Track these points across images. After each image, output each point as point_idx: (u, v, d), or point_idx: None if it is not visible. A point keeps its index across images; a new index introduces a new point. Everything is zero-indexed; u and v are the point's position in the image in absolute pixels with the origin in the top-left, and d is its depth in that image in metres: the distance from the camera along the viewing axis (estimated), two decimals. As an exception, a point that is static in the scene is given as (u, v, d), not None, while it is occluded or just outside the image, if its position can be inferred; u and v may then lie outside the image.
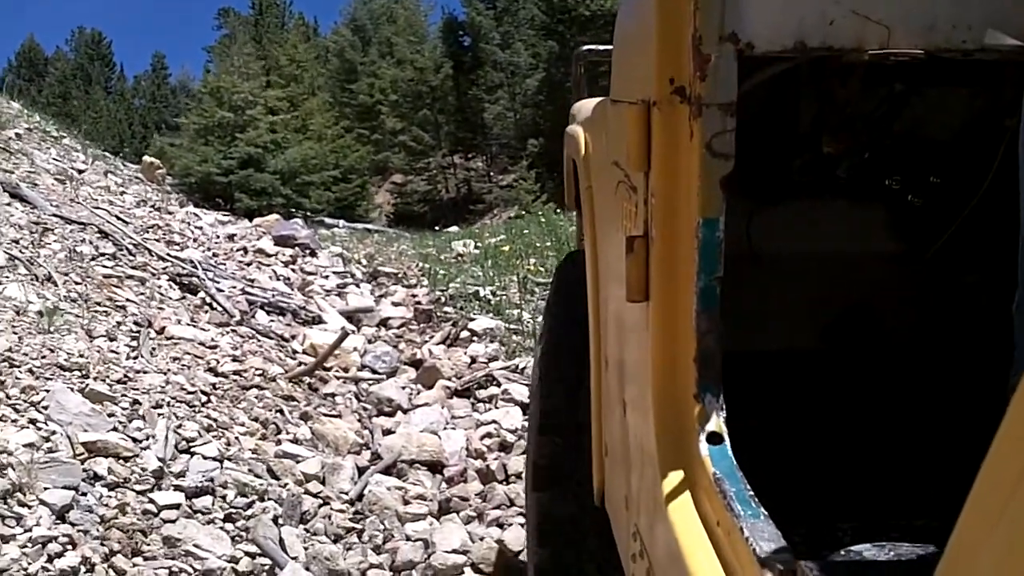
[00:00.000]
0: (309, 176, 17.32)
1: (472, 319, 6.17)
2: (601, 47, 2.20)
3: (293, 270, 7.62)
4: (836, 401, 1.73)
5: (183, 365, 4.24)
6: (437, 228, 14.29)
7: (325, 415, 4.28)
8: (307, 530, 3.18)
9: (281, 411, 4.13)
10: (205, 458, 3.35)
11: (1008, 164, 1.21)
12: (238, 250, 7.85)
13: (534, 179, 24.33)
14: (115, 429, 3.29)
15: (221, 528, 3.01)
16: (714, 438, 1.10)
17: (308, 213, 14.62)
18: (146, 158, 14.80)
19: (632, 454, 1.38)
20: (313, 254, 8.40)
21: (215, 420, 3.78)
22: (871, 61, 1.15)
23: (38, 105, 33.89)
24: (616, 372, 1.51)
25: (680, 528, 1.07)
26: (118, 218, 7.36)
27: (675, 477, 1.14)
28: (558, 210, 12.10)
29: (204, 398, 3.93)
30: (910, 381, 1.77)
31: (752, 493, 1.01)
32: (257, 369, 4.48)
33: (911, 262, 1.80)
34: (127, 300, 5.04)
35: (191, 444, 3.43)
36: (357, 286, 7.38)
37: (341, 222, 13.37)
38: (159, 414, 3.56)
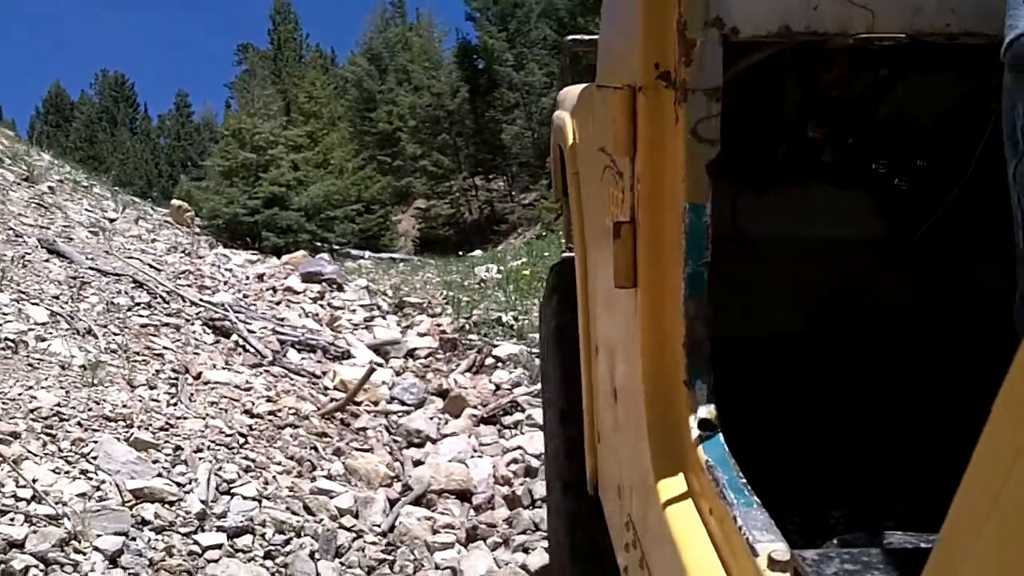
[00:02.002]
0: (333, 211, 17.61)
1: (496, 345, 6.34)
2: (587, 37, 2.18)
3: (321, 306, 7.84)
4: (825, 385, 1.71)
5: (220, 409, 4.45)
6: (461, 253, 14.52)
7: (357, 449, 4.46)
8: (342, 563, 3.35)
9: (315, 448, 4.32)
10: (245, 498, 3.54)
11: (993, 148, 1.20)
12: (267, 290, 8.10)
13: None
14: (160, 475, 3.49)
15: (261, 565, 3.19)
16: (705, 425, 1.09)
17: (334, 247, 14.94)
18: (174, 202, 15.22)
19: (624, 441, 1.36)
20: (340, 288, 8.63)
21: (253, 461, 3.98)
22: (855, 46, 1.15)
23: (66, 150, 34.71)
24: (606, 359, 1.49)
25: (673, 517, 1.07)
26: (151, 266, 7.66)
27: (667, 465, 1.13)
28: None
29: (242, 440, 4.13)
30: (898, 364, 1.76)
31: (745, 481, 1.00)
32: (291, 408, 4.67)
33: (897, 245, 1.79)
34: (164, 348, 5.28)
35: (231, 485, 3.62)
36: (384, 318, 7.59)
37: (367, 253, 13.64)
38: (200, 458, 3.76)
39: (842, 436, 1.63)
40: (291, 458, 4.16)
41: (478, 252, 15.68)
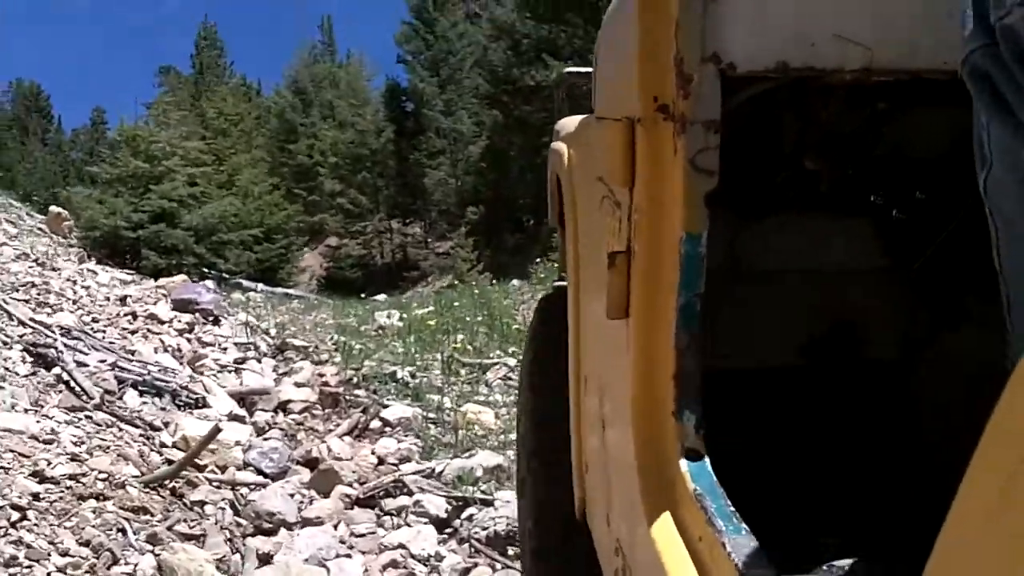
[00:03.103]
0: (227, 234, 16.17)
1: (385, 405, 5.34)
2: (582, 70, 2.19)
3: (188, 339, 6.70)
4: (821, 417, 1.74)
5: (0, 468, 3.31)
6: (363, 296, 13.43)
7: (184, 534, 3.37)
8: None
9: (123, 531, 3.21)
10: (-13, 612, 2.44)
11: None
12: (126, 315, 6.90)
13: (471, 247, 23.61)
14: None
15: None
16: (693, 455, 1.10)
17: (223, 275, 13.53)
18: (52, 208, 13.71)
19: (612, 470, 1.39)
20: (216, 322, 7.50)
21: (28, 546, 2.86)
22: (853, 82, 1.17)
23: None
24: (596, 388, 1.51)
25: (662, 544, 1.08)
26: (-16, 274, 6.40)
27: (656, 493, 1.14)
28: (494, 280, 11.42)
29: (17, 515, 3.01)
30: (895, 396, 1.80)
31: (733, 509, 1.01)
32: (102, 472, 3.56)
33: (896, 276, 1.82)
34: (-45, 376, 4.10)
35: (-27, 590, 2.51)
36: (259, 361, 6.49)
37: (260, 285, 12.36)
38: (-63, 544, 2.64)
39: (836, 468, 1.65)
40: (84, 543, 3.05)
41: (382, 296, 14.56)
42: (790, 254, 1.78)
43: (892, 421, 1.76)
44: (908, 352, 1.86)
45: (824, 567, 1.12)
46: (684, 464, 1.10)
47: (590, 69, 1.74)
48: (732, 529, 0.98)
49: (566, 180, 1.76)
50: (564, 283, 1.90)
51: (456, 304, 9.52)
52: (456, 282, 15.72)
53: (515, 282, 12.65)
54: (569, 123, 1.87)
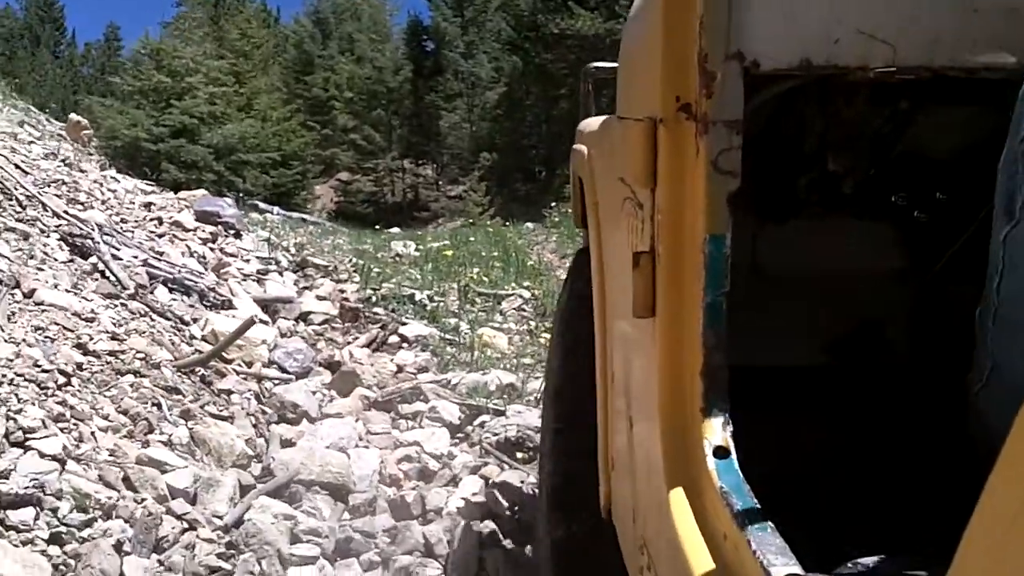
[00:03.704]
0: (246, 155, 16.19)
1: (404, 323, 5.52)
2: (608, 64, 2.21)
3: (211, 248, 6.84)
4: (844, 417, 1.72)
5: (46, 336, 3.49)
6: (378, 227, 13.54)
7: (213, 415, 3.56)
8: (160, 562, 2.48)
9: (158, 405, 3.40)
10: (43, 456, 2.63)
11: None
12: (152, 219, 7.03)
13: (484, 192, 23.62)
14: (-73, 408, 2.55)
15: (41, 552, 2.29)
16: (720, 452, 1.10)
17: (241, 194, 13.64)
18: (72, 116, 13.67)
19: (638, 467, 1.38)
20: (237, 235, 7.62)
21: (71, 407, 3.05)
22: (876, 79, 1.15)
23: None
24: (623, 386, 1.51)
25: (687, 541, 1.08)
26: (16, 167, 6.51)
27: (682, 490, 1.14)
28: (506, 222, 11.53)
29: (62, 379, 3.19)
30: (917, 398, 1.76)
31: (760, 507, 1.01)
32: (139, 352, 3.74)
33: (918, 278, 1.81)
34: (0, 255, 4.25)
35: (29, 436, 2.70)
36: (280, 274, 6.64)
37: (276, 208, 12.45)
38: (-5, 393, 2.82)
39: (860, 468, 1.63)
40: (123, 412, 3.24)
41: (396, 229, 14.69)
42: (811, 256, 1.77)
43: (915, 422, 1.73)
44: (930, 353, 1.83)
45: (849, 564, 1.10)
46: (711, 461, 1.09)
47: (615, 64, 1.72)
48: (758, 528, 0.97)
49: (588, 181, 1.77)
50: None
51: (472, 240, 9.65)
52: (469, 224, 15.82)
53: (529, 224, 12.74)
54: (591, 124, 1.89)
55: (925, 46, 1.12)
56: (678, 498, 1.14)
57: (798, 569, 0.90)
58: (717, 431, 1.11)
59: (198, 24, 19.80)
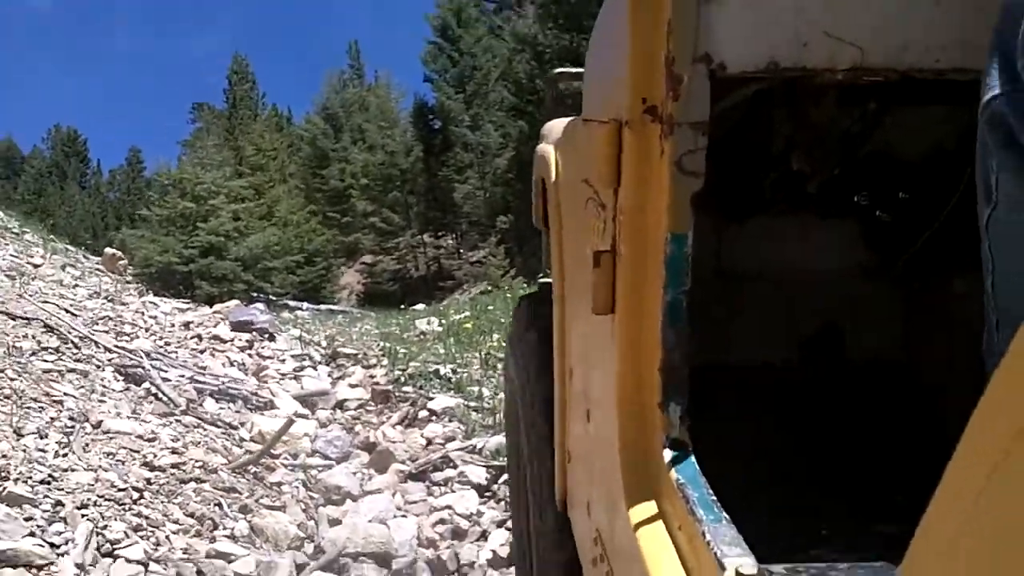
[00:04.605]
0: (272, 261, 17.12)
1: (431, 398, 6.00)
2: (573, 70, 2.16)
3: (249, 355, 7.42)
4: (808, 416, 1.72)
5: (117, 460, 4.02)
6: (403, 307, 14.15)
7: (268, 507, 4.05)
8: (236, 637, 2.95)
9: (220, 505, 3.91)
10: (129, 561, 3.13)
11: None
12: (192, 337, 7.65)
13: (503, 255, 24.29)
14: (32, 534, 3.07)
15: (139, 640, 2.78)
16: (677, 444, 1.10)
17: (271, 297, 14.38)
18: (108, 250, 14.63)
19: (595, 460, 1.39)
20: (271, 338, 8.21)
21: (146, 518, 3.56)
22: (844, 81, 1.16)
23: (13, 203, 33.64)
24: (580, 382, 1.52)
25: (641, 532, 1.08)
26: (67, 311, 7.18)
27: (638, 482, 1.15)
28: (525, 284, 12.04)
29: (136, 495, 3.71)
30: (883, 394, 1.78)
31: (715, 498, 1.00)
32: (197, 461, 4.26)
33: (882, 275, 1.81)
34: (65, 395, 4.83)
35: (115, 547, 3.21)
36: (315, 368, 7.19)
37: (305, 304, 13.17)
38: (84, 515, 3.34)
39: (824, 466, 1.66)
40: (191, 515, 3.75)
41: (421, 306, 15.28)
42: (775, 254, 1.78)
43: (880, 419, 1.74)
44: (895, 350, 1.84)
45: (802, 554, 1.09)
46: (668, 454, 1.10)
47: (582, 69, 1.73)
48: (712, 518, 0.97)
49: (551, 183, 1.78)
50: (548, 280, 1.91)
51: (491, 308, 10.16)
52: (491, 288, 16.38)
53: (547, 280, 13.18)
54: (555, 127, 1.89)
55: (893, 48, 1.11)
56: (633, 489, 1.15)
57: (750, 559, 0.91)
58: (675, 424, 1.11)
59: (213, 147, 20.94)
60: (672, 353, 1.12)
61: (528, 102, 28.64)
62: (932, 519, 0.50)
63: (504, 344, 7.67)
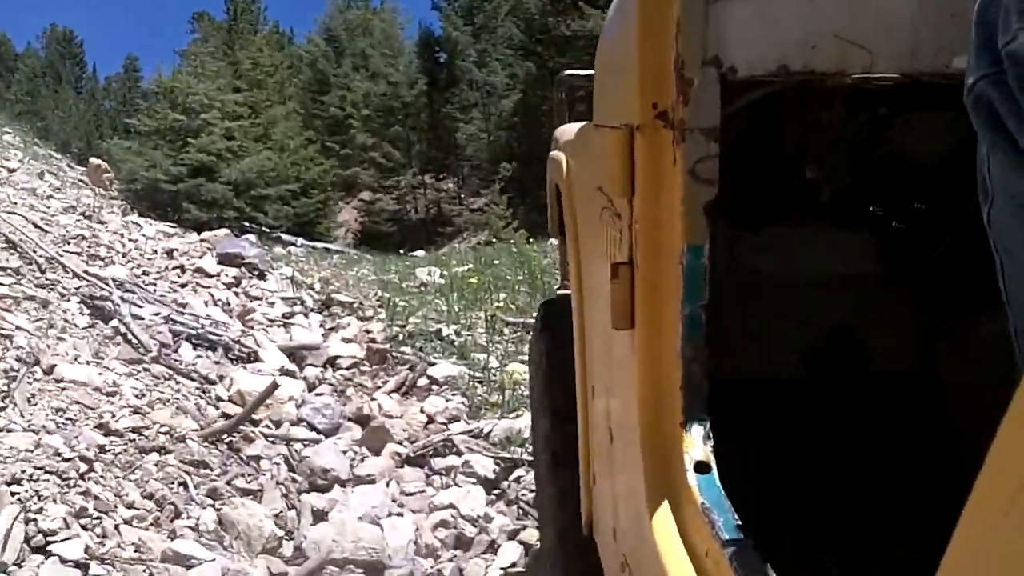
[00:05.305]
0: (266, 189, 16.26)
1: (432, 363, 5.39)
2: (582, 72, 2.18)
3: (235, 294, 6.78)
4: (823, 426, 1.74)
5: (66, 419, 3.40)
6: (402, 251, 13.47)
7: (241, 490, 3.44)
8: (190, 673, 2.36)
9: (185, 484, 3.29)
10: (64, 562, 2.52)
11: None
12: (175, 268, 6.98)
13: (506, 204, 23.46)
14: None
15: (65, 676, 2.18)
16: (701, 467, 1.09)
17: (263, 228, 13.64)
18: (93, 160, 13.80)
19: (619, 483, 1.37)
20: (261, 276, 7.56)
21: (95, 498, 2.95)
22: (854, 85, 1.16)
23: (5, 103, 32.60)
24: (603, 400, 1.49)
25: (668, 558, 1.06)
26: (35, 225, 6.49)
27: (663, 506, 1.13)
28: (530, 239, 11.38)
29: (84, 467, 3.09)
30: (897, 405, 1.79)
31: (740, 523, 1.00)
32: (163, 425, 3.64)
33: (897, 285, 1.81)
34: (16, 328, 4.18)
35: (49, 539, 2.60)
36: (306, 315, 6.55)
37: (300, 240, 12.45)
38: (13, 494, 2.72)
39: (839, 478, 1.65)
40: (148, 496, 3.14)
41: (420, 252, 14.59)
42: (790, 264, 1.77)
43: (895, 430, 1.74)
44: (909, 361, 1.84)
45: None
46: (692, 477, 1.08)
47: (591, 72, 1.69)
48: (739, 545, 0.97)
49: (565, 190, 1.74)
50: (565, 291, 1.87)
51: (496, 262, 9.52)
52: (492, 239, 15.71)
53: (553, 241, 12.57)
54: (568, 131, 1.85)
55: (902, 52, 1.11)
56: (659, 514, 1.13)
57: None
58: (698, 445, 1.10)
59: (210, 55, 19.88)
60: (692, 369, 1.10)
61: (538, 42, 27.68)
62: (960, 540, 0.49)
63: (511, 307, 7.07)
